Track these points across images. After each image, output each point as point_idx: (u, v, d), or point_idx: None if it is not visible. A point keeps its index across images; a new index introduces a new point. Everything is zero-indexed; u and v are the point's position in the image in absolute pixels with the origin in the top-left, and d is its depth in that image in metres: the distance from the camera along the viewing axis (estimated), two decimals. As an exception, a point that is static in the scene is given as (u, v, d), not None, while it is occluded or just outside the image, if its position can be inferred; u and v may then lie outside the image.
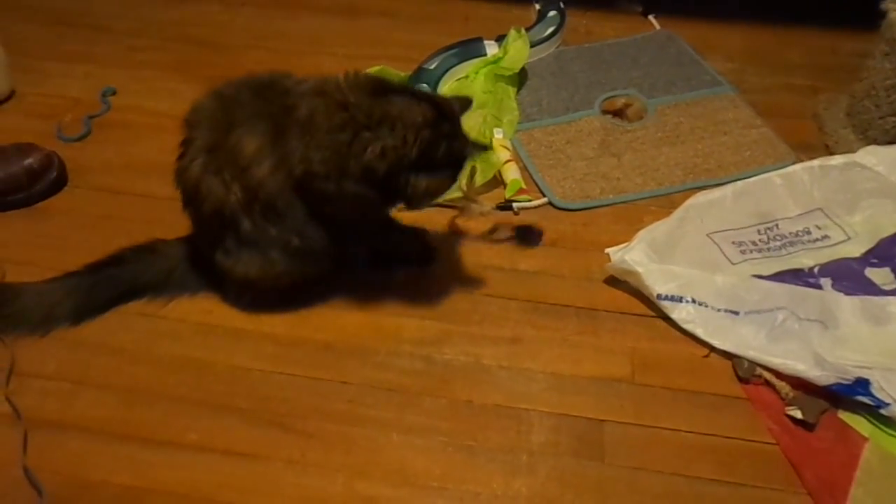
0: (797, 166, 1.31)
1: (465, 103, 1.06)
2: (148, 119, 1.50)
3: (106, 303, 1.15)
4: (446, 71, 1.54)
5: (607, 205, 1.35)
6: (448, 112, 1.02)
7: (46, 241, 1.26)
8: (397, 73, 1.51)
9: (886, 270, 1.17)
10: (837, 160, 1.29)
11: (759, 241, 1.24)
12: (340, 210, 1.03)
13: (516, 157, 1.41)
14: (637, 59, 1.66)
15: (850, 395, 1.02)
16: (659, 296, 1.14)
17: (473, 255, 1.26)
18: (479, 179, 1.25)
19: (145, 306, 1.16)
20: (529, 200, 1.33)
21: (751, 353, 1.08)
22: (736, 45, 1.71)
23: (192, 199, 1.05)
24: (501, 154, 1.38)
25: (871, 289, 1.13)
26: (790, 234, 1.24)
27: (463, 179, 1.17)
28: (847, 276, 1.15)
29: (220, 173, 1.00)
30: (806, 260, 1.20)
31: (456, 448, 1.01)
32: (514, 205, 1.32)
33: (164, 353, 1.11)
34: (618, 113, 1.53)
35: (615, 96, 1.56)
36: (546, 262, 1.25)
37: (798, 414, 1.02)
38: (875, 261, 1.18)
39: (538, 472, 0.99)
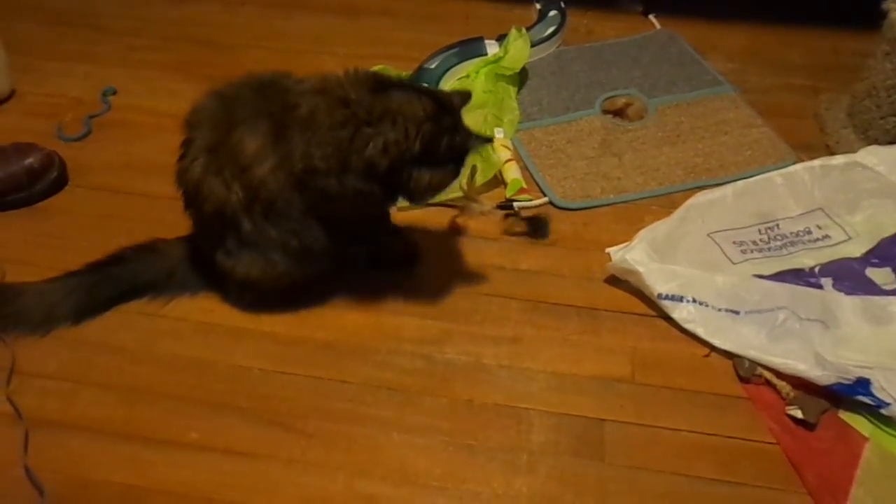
0: (798, 166, 1.31)
1: (465, 96, 1.07)
2: (148, 119, 1.50)
3: (107, 302, 1.15)
4: (447, 70, 1.54)
5: (608, 204, 1.35)
6: (448, 105, 1.02)
7: (47, 241, 1.26)
8: (398, 72, 1.51)
9: (887, 270, 1.17)
10: (838, 160, 1.29)
11: (760, 240, 1.24)
12: (341, 208, 1.03)
13: (517, 157, 1.41)
14: (638, 58, 1.66)
15: (850, 394, 1.02)
16: (660, 295, 1.14)
17: (474, 255, 1.26)
18: (480, 179, 1.25)
19: (146, 305, 1.16)
20: (530, 200, 1.33)
21: (751, 353, 1.08)
22: (737, 44, 1.71)
23: (193, 199, 1.05)
24: (502, 153, 1.38)
25: (872, 289, 1.13)
26: (791, 233, 1.24)
27: (463, 179, 1.17)
28: (848, 276, 1.15)
29: (220, 173, 1.00)
30: (807, 260, 1.20)
31: (456, 447, 1.01)
32: (515, 204, 1.32)
33: (165, 353, 1.11)
34: (618, 112, 1.53)
35: (616, 96, 1.56)
36: (547, 261, 1.25)
37: (799, 413, 1.02)
38: (876, 261, 1.18)
39: (538, 472, 0.99)
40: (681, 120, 1.50)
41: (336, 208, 1.03)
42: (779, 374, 1.06)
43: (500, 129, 1.44)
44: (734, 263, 1.20)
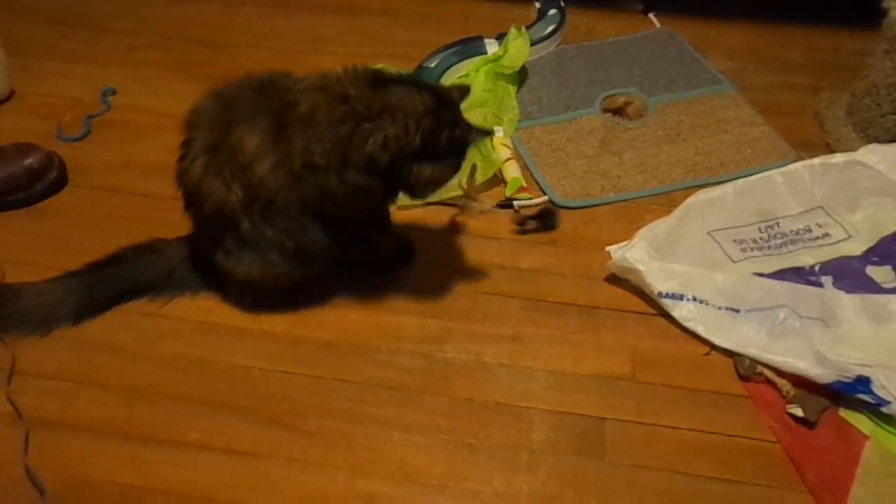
0: (798, 164, 1.31)
1: (464, 91, 1.07)
2: (148, 119, 1.50)
3: (107, 302, 1.15)
4: (447, 69, 1.54)
5: (608, 203, 1.35)
6: (448, 100, 1.02)
7: (47, 241, 1.26)
8: (398, 71, 1.51)
9: (887, 269, 1.17)
10: (838, 158, 1.29)
11: (760, 239, 1.24)
12: (341, 205, 1.02)
13: (517, 156, 1.41)
14: (637, 57, 1.66)
15: (850, 393, 1.02)
16: (660, 294, 1.14)
17: (474, 253, 1.26)
18: (480, 177, 1.25)
19: (146, 305, 1.16)
20: (530, 198, 1.33)
21: (752, 351, 1.08)
22: (736, 43, 1.71)
23: (193, 199, 1.05)
24: (502, 152, 1.38)
25: (872, 287, 1.13)
26: (791, 232, 1.24)
27: (463, 178, 1.17)
28: (848, 275, 1.15)
29: (220, 173, 1.00)
30: (807, 258, 1.20)
31: (457, 446, 1.01)
32: (515, 203, 1.32)
33: (165, 352, 1.11)
34: (618, 111, 1.53)
35: (616, 94, 1.56)
36: (547, 260, 1.25)
37: (799, 412, 1.02)
38: (876, 259, 1.18)
39: (539, 470, 0.99)
40: (681, 118, 1.50)
41: (336, 206, 1.03)
42: (779, 373, 1.06)
43: (500, 128, 1.44)
44: (734, 262, 1.20)
